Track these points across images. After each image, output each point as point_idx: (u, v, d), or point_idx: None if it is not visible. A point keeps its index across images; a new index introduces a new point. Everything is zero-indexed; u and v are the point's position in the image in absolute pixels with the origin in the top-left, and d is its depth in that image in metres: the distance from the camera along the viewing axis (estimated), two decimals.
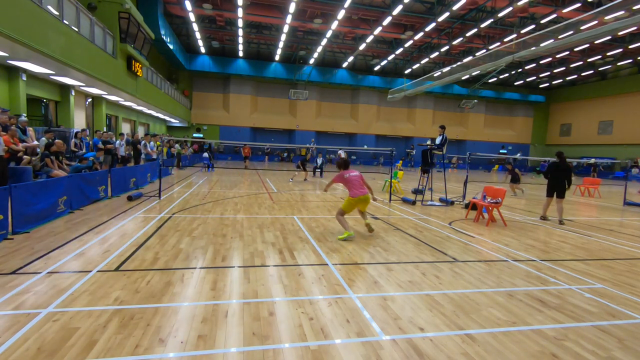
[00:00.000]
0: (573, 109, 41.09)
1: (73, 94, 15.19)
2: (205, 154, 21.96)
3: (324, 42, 28.08)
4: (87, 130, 13.16)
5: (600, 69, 35.05)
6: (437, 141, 10.95)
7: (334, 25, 24.00)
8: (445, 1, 21.81)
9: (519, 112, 44.30)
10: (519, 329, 3.20)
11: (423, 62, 33.48)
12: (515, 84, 41.94)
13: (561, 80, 39.78)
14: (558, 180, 8.72)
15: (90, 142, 12.95)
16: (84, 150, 11.64)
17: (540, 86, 43.16)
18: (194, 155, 29.00)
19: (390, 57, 32.55)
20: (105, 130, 16.89)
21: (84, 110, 17.10)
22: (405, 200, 11.21)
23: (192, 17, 23.95)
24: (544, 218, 9.07)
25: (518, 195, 14.81)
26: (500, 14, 21.65)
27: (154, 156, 16.05)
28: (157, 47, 25.13)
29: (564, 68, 34.48)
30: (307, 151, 20.51)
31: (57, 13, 10.64)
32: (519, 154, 40.19)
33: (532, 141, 44.76)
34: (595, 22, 19.16)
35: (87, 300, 3.38)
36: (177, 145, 23.45)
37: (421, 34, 25.75)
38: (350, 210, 6.46)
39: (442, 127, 11.02)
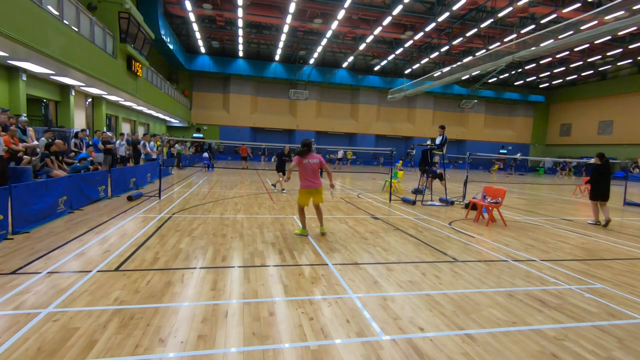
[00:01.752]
0: (573, 109, 41.08)
1: (73, 94, 15.19)
2: (205, 154, 21.97)
3: (324, 42, 28.07)
4: (87, 131, 13.16)
5: (600, 69, 35.04)
6: (437, 141, 10.95)
7: (334, 25, 23.99)
8: (445, 1, 21.81)
9: (519, 112, 44.29)
10: (519, 329, 3.20)
11: (423, 62, 33.47)
12: (515, 84, 41.92)
13: (561, 80, 39.77)
14: (604, 183, 8.66)
15: (90, 142, 12.95)
16: (84, 150, 11.64)
17: (540, 86, 43.15)
18: (193, 155, 29.00)
19: (390, 57, 32.54)
20: (105, 130, 16.89)
21: (84, 110, 17.10)
22: (405, 200, 11.21)
23: (192, 17, 23.95)
24: (601, 223, 8.66)
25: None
26: (500, 14, 21.64)
27: (154, 156, 16.06)
28: (157, 47, 25.12)
29: (564, 68, 34.47)
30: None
31: (57, 13, 10.64)
32: (519, 154, 40.21)
33: (532, 141, 44.76)
34: (595, 22, 19.16)
35: (87, 300, 3.38)
36: (177, 145, 23.46)
37: (421, 34, 25.75)
38: (304, 202, 6.38)
39: (442, 127, 11.02)
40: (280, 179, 12.51)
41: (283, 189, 12.57)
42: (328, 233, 6.61)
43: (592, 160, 9.11)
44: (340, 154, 30.81)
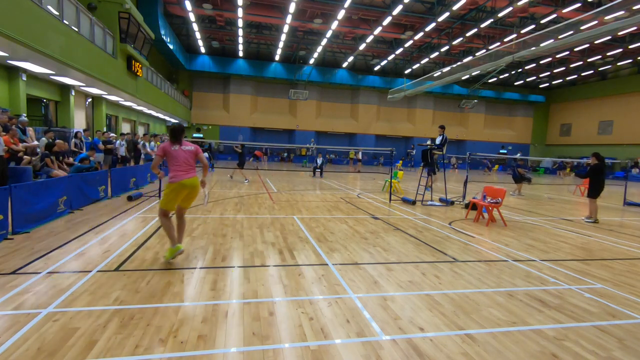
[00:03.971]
0: (573, 109, 41.06)
1: (73, 94, 15.19)
2: (205, 154, 21.98)
3: (324, 42, 28.06)
4: (89, 130, 13.16)
5: (600, 69, 35.01)
6: (437, 141, 10.96)
7: (334, 25, 23.98)
8: (445, 1, 21.80)
9: (519, 112, 44.27)
10: (519, 329, 3.20)
11: (423, 62, 33.45)
12: (515, 84, 41.90)
13: (561, 80, 39.75)
14: (602, 181, 9.20)
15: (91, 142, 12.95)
16: (84, 150, 11.65)
17: (540, 86, 43.12)
18: None
19: (390, 57, 32.53)
20: (105, 130, 16.89)
21: (84, 110, 17.09)
22: (405, 200, 11.21)
23: (192, 17, 23.94)
24: (599, 221, 9.07)
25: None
26: (500, 14, 21.63)
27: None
28: (157, 47, 25.11)
29: (564, 68, 34.45)
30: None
31: (57, 13, 10.64)
32: (519, 154, 40.19)
33: (532, 141, 44.73)
34: (595, 22, 19.16)
35: (87, 300, 3.38)
36: None
37: (421, 34, 25.73)
38: (172, 205, 4.65)
39: (442, 127, 11.04)
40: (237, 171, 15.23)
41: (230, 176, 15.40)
42: (328, 233, 6.59)
43: (589, 161, 9.56)
44: (360, 155, 28.66)
